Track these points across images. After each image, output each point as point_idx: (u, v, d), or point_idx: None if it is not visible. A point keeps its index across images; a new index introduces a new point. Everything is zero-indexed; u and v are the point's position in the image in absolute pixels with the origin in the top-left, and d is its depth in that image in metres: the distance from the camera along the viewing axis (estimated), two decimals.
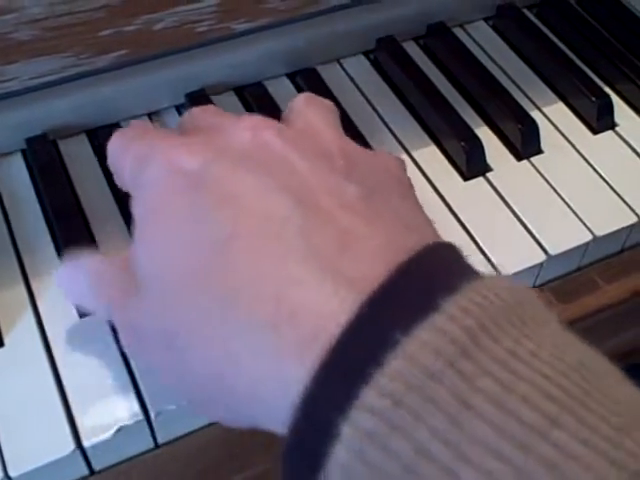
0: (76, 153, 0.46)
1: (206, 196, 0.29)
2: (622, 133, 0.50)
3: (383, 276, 0.25)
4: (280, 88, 0.51)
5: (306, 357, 0.25)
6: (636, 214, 0.45)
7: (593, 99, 0.50)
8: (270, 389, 0.27)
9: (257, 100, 0.50)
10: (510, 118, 0.48)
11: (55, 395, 0.36)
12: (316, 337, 0.25)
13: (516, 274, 0.42)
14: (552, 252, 0.43)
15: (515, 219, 0.44)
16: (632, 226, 0.45)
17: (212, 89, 0.49)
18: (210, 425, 0.38)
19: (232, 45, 0.48)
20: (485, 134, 0.49)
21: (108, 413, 0.36)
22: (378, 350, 0.23)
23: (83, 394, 0.36)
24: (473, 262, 0.28)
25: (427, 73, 0.51)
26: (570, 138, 0.49)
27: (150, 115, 0.49)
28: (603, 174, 0.47)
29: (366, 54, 0.54)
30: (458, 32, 0.55)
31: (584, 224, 0.44)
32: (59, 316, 0.39)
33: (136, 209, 0.33)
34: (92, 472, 0.37)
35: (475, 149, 0.46)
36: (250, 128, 0.32)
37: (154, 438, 0.37)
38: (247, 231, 0.28)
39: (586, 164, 0.48)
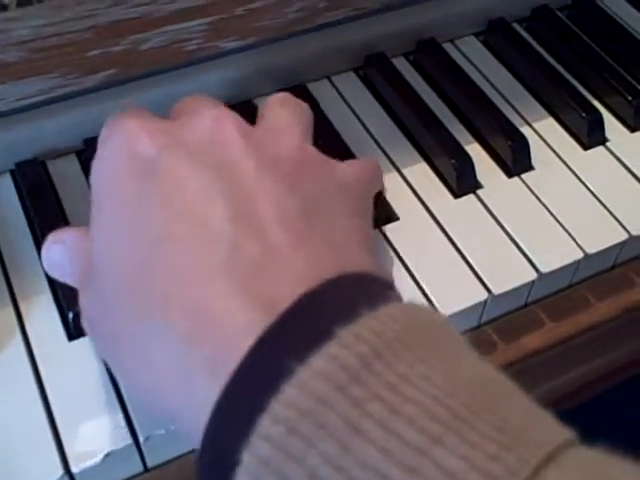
0: (65, 173, 0.46)
1: (152, 190, 0.31)
2: (613, 148, 0.49)
3: (290, 302, 0.26)
4: None
5: (214, 378, 0.26)
6: (627, 231, 0.45)
7: (583, 114, 0.50)
8: (184, 403, 0.28)
9: (247, 118, 0.49)
10: (500, 134, 0.48)
11: (43, 419, 0.36)
12: (222, 359, 0.26)
13: (508, 292, 0.42)
14: (543, 270, 0.43)
15: (506, 237, 0.44)
16: (623, 243, 0.45)
17: None
18: None
19: (221, 63, 0.48)
20: (475, 150, 0.48)
21: (97, 437, 0.35)
22: (275, 378, 0.24)
23: (71, 418, 0.36)
24: (396, 290, 0.29)
25: (417, 89, 0.51)
26: (561, 154, 0.49)
27: None
28: (594, 190, 0.47)
29: (356, 70, 0.54)
30: (448, 47, 0.55)
31: (575, 242, 0.44)
32: (47, 339, 0.39)
33: (93, 168, 0.35)
34: None
35: (465, 167, 0.46)
36: (213, 119, 0.33)
37: (143, 462, 0.37)
38: (180, 236, 0.29)
39: (577, 180, 0.47)
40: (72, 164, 0.47)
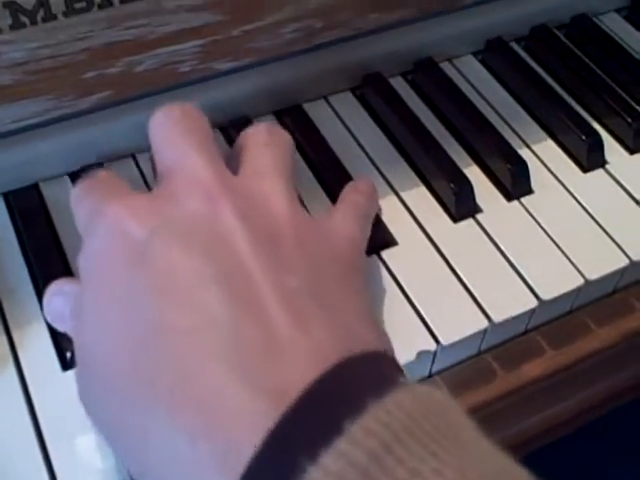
0: (58, 196, 0.45)
1: (145, 277, 0.30)
2: (612, 171, 0.49)
3: (298, 391, 0.25)
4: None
5: (222, 474, 0.25)
6: (628, 256, 0.44)
7: (583, 137, 0.49)
8: None
9: None
10: (500, 157, 0.48)
11: (38, 455, 0.35)
12: (231, 454, 0.25)
13: (507, 321, 0.41)
14: (545, 297, 0.42)
15: (506, 263, 0.44)
16: (624, 269, 0.44)
17: None
18: None
19: (216, 84, 0.47)
20: (474, 174, 0.48)
21: (93, 475, 0.35)
22: (287, 477, 0.24)
23: (65, 452, 0.35)
24: (399, 366, 0.29)
25: (415, 110, 0.51)
26: (560, 177, 0.48)
27: (135, 155, 0.48)
28: (594, 214, 0.46)
29: (353, 90, 0.53)
30: (446, 67, 0.54)
31: (576, 268, 0.43)
32: (41, 368, 0.38)
33: (82, 262, 0.33)
34: None
35: (464, 191, 0.46)
36: (203, 196, 0.32)
37: None
38: (179, 325, 0.28)
39: (576, 204, 0.47)
40: (66, 186, 0.46)
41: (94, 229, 0.33)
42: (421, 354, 0.40)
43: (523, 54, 0.56)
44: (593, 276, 0.43)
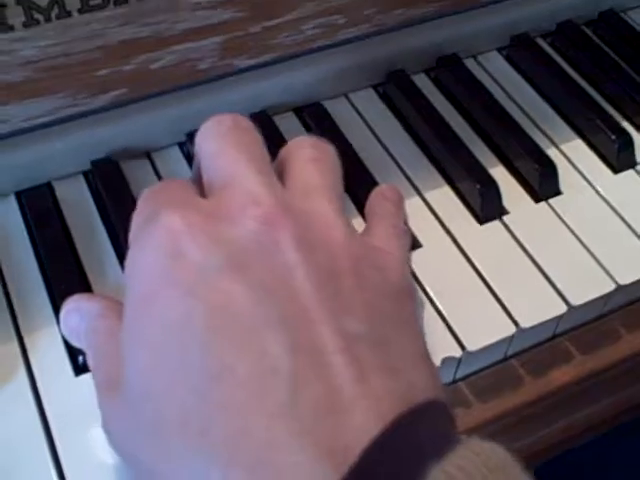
0: (72, 196, 0.44)
1: (200, 310, 0.28)
2: None
3: (357, 454, 0.24)
4: (286, 124, 0.49)
5: None
6: None
7: (613, 137, 0.47)
8: None
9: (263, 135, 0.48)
10: (527, 157, 0.46)
11: (49, 461, 0.34)
12: None
13: (535, 326, 0.40)
14: (574, 303, 0.40)
15: (533, 266, 0.42)
16: None
17: None
18: None
19: (235, 81, 0.46)
20: (500, 174, 0.46)
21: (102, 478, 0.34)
22: None
23: (77, 458, 0.34)
24: (454, 419, 0.28)
25: (438, 108, 0.49)
26: (589, 178, 0.47)
27: (150, 153, 0.47)
28: (624, 216, 0.45)
29: (375, 87, 0.52)
30: (470, 63, 0.53)
31: (607, 272, 0.42)
32: (53, 373, 0.37)
33: (129, 271, 0.31)
34: None
35: (490, 192, 0.44)
36: (261, 220, 0.30)
37: None
38: (236, 371, 0.27)
39: (606, 206, 0.45)
40: (80, 185, 0.45)
41: (146, 237, 0.30)
42: (446, 360, 0.38)
43: (549, 50, 0.55)
44: (625, 281, 0.42)
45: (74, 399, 0.36)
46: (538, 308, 0.40)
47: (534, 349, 0.42)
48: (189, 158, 0.46)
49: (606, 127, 0.48)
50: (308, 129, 0.49)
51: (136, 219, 0.33)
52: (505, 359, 0.42)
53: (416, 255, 0.42)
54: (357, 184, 0.44)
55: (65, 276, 0.40)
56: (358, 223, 0.42)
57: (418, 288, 0.41)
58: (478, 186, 0.44)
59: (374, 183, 0.45)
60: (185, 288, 0.28)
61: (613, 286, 0.41)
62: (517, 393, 0.41)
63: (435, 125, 0.48)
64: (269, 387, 0.26)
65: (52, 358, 0.38)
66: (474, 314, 0.40)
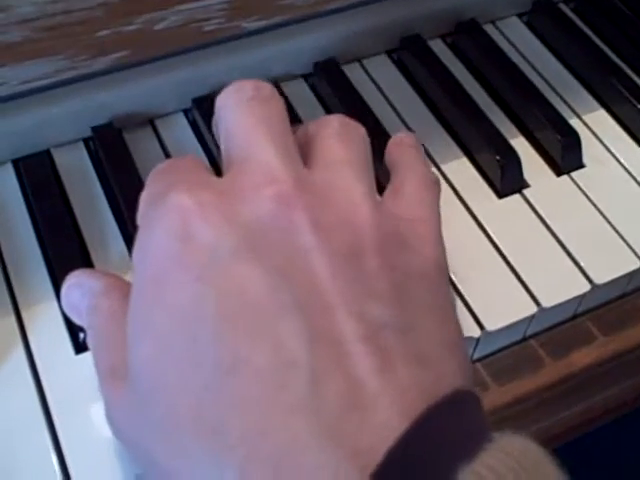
0: (72, 163, 0.42)
1: (212, 295, 0.26)
2: None
3: (382, 452, 0.23)
4: (295, 90, 0.47)
5: None
6: None
7: (639, 106, 0.45)
8: None
9: None
10: (549, 128, 0.44)
11: (47, 440, 0.33)
12: None
13: (555, 307, 0.38)
14: (598, 282, 0.39)
15: (556, 242, 0.40)
16: None
17: None
18: None
19: (243, 44, 0.44)
20: (521, 145, 0.44)
21: (104, 460, 0.32)
22: None
23: (77, 439, 0.33)
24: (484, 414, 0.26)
25: (456, 75, 0.47)
26: (613, 150, 0.45)
27: (153, 120, 0.45)
28: None
29: (389, 53, 0.49)
30: (489, 29, 0.51)
31: (632, 249, 0.40)
32: (52, 351, 0.35)
33: (136, 256, 0.29)
34: None
35: (511, 164, 0.42)
36: (277, 199, 0.28)
37: None
38: (250, 363, 0.25)
39: (631, 179, 0.43)
40: (80, 153, 0.43)
41: (154, 219, 0.29)
42: (464, 341, 0.37)
43: (572, 15, 0.52)
44: None
45: (74, 378, 0.35)
46: (560, 287, 0.39)
47: (554, 329, 0.40)
48: (194, 125, 0.44)
49: (632, 96, 0.46)
50: (319, 97, 0.47)
51: (144, 199, 0.31)
52: (524, 339, 0.40)
53: None
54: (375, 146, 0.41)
55: (65, 248, 0.38)
56: None
57: None
58: (498, 158, 0.42)
59: None
60: (196, 272, 0.26)
61: (638, 264, 0.40)
62: (537, 375, 0.39)
63: (453, 93, 0.46)
64: (287, 381, 0.24)
65: (51, 335, 0.36)
66: (493, 292, 0.38)
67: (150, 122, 0.45)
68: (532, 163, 0.44)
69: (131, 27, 0.39)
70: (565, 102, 0.47)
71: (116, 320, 0.31)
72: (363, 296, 0.26)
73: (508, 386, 0.39)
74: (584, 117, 0.47)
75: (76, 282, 0.33)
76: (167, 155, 0.43)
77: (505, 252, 0.40)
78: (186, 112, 0.45)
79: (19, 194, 0.41)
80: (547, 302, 0.38)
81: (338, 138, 0.31)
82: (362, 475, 0.23)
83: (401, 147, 0.36)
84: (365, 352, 0.25)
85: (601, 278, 0.39)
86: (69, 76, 0.40)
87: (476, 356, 0.39)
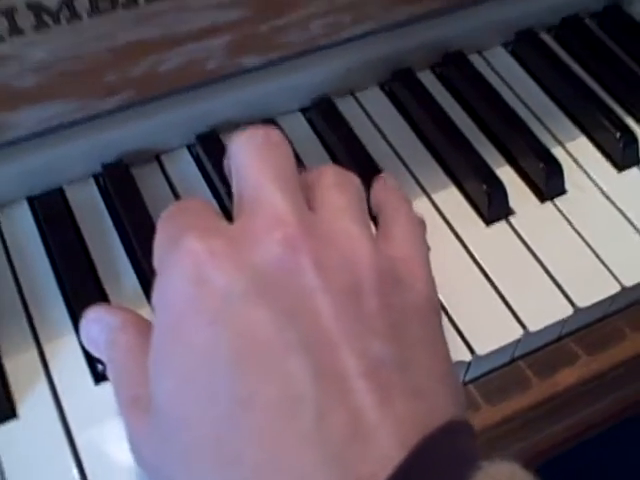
0: (83, 199, 0.44)
1: (225, 337, 0.28)
2: None
3: (388, 477, 0.25)
4: (293, 124, 0.49)
5: None
6: None
7: (618, 134, 0.48)
8: None
9: None
10: (533, 157, 0.46)
11: (72, 467, 0.35)
12: None
13: (541, 331, 0.41)
14: (581, 305, 0.41)
15: (540, 268, 0.43)
16: None
17: (223, 127, 0.47)
18: None
19: (243, 80, 0.46)
20: (506, 173, 0.47)
21: None
22: None
23: (100, 466, 0.35)
24: (475, 442, 0.28)
25: (444, 106, 0.49)
26: (594, 177, 0.47)
27: (159, 155, 0.47)
28: (629, 216, 0.45)
29: (382, 86, 0.52)
30: (475, 59, 0.53)
31: (612, 274, 0.43)
32: (73, 382, 0.38)
33: (156, 300, 0.31)
34: None
35: (497, 193, 0.44)
36: (284, 242, 0.30)
37: None
38: (263, 397, 0.27)
39: (611, 205, 0.46)
40: (90, 189, 0.45)
41: (169, 264, 0.31)
42: (456, 364, 0.39)
43: (554, 45, 0.55)
44: (630, 282, 0.42)
45: (95, 407, 0.37)
46: (545, 310, 0.41)
47: (540, 351, 0.43)
48: (198, 160, 0.47)
49: (611, 124, 0.48)
50: (315, 130, 0.49)
51: (158, 244, 0.33)
52: (512, 361, 0.42)
53: None
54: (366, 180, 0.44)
55: (81, 282, 0.40)
56: None
57: None
58: (485, 187, 0.45)
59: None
60: (210, 315, 0.29)
61: (618, 288, 0.42)
62: (524, 395, 0.42)
63: (441, 124, 0.48)
64: (295, 414, 0.27)
65: (71, 367, 0.38)
66: (482, 317, 0.41)
67: (156, 157, 0.47)
68: (516, 190, 0.46)
69: (137, 69, 0.41)
70: (547, 129, 0.50)
71: (133, 354, 0.33)
72: (364, 334, 0.29)
73: (498, 406, 0.41)
74: (566, 144, 0.49)
75: (94, 317, 0.35)
76: (172, 188, 0.45)
77: (493, 278, 0.42)
78: (189, 147, 0.47)
79: (35, 230, 0.43)
80: (533, 326, 0.40)
81: (337, 189, 0.34)
82: None
83: (385, 190, 0.39)
84: (366, 388, 0.27)
85: (583, 301, 0.41)
86: (79, 116, 0.42)
87: (468, 378, 0.41)
